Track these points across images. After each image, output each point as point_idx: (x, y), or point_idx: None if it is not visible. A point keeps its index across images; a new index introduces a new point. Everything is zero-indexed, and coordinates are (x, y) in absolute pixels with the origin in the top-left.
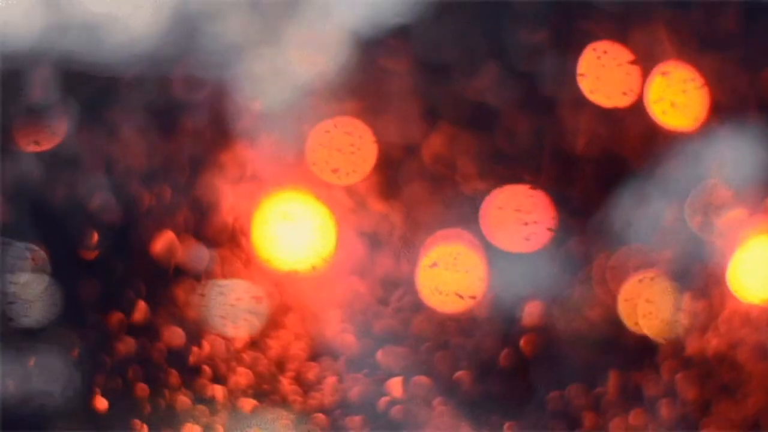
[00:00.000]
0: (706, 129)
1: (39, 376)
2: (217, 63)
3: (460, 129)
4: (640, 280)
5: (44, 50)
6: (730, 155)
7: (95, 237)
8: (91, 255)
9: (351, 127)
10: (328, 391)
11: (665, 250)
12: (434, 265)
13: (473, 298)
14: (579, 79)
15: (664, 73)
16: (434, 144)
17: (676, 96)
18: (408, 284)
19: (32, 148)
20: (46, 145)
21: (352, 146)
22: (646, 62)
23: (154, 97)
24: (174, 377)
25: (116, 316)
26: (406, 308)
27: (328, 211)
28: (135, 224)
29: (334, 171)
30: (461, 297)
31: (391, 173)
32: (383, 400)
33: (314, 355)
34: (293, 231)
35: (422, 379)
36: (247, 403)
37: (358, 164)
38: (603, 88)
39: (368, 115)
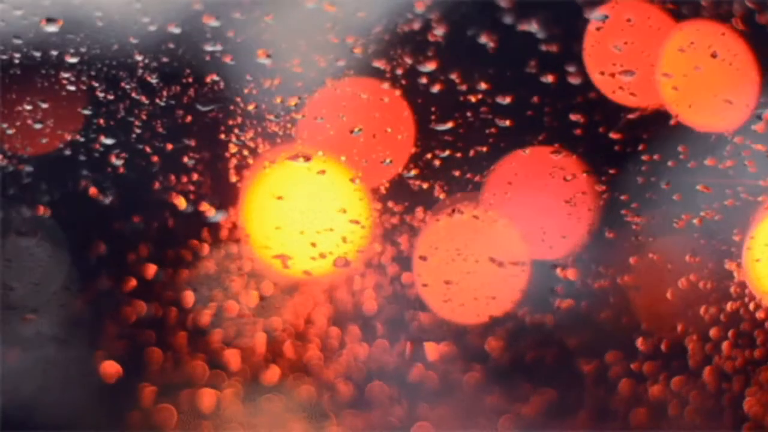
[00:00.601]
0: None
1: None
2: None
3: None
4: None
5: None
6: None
7: (106, 198)
8: (101, 217)
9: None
10: (349, 358)
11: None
12: (454, 212)
13: (515, 264)
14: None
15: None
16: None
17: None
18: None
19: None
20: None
21: (384, 102)
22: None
23: (171, 59)
24: (189, 341)
25: (127, 279)
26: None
27: (358, 176)
28: (150, 187)
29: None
30: (500, 264)
31: (426, 134)
32: (412, 368)
33: (336, 321)
34: (319, 196)
35: (450, 348)
36: (267, 370)
37: (391, 123)
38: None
39: (402, 77)
